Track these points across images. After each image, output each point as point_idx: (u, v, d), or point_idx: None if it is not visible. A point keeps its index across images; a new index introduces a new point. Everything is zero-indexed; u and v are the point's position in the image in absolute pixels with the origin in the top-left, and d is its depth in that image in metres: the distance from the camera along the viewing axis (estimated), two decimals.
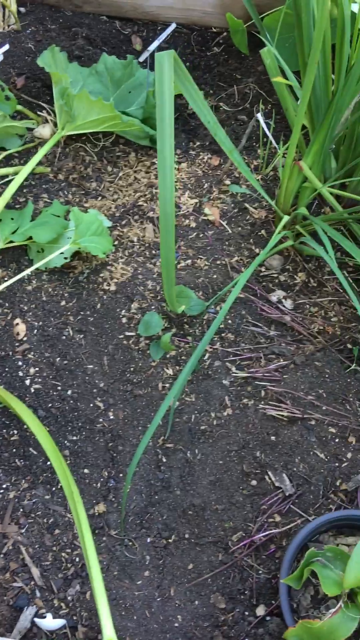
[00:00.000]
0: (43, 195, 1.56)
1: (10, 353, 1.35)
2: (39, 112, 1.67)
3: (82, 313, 1.41)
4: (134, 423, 1.31)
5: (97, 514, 1.21)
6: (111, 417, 1.31)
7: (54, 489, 1.23)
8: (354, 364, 1.34)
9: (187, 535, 1.19)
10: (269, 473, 1.22)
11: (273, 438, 1.25)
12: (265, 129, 1.57)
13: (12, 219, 1.46)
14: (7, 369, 1.33)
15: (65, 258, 1.43)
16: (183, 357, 1.37)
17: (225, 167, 1.63)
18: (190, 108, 1.78)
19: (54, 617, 1.10)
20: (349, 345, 1.37)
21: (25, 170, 1.47)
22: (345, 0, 1.14)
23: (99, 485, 1.24)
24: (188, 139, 1.72)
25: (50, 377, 1.32)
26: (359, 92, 1.28)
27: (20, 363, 1.33)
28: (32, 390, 1.31)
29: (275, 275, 1.48)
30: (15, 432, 1.27)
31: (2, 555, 1.15)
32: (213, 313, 1.42)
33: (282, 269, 1.49)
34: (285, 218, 1.42)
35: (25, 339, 1.36)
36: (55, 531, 1.18)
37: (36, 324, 1.38)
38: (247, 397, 1.31)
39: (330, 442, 1.24)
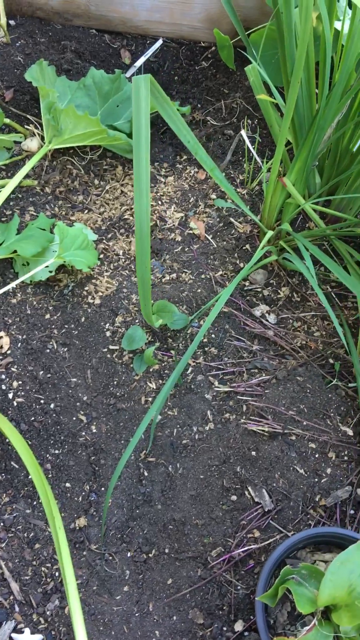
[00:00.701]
0: (30, 209, 1.57)
1: None
2: (26, 126, 1.68)
3: (66, 326, 1.42)
4: (117, 437, 1.31)
5: (78, 528, 1.22)
6: (94, 431, 1.31)
7: (35, 503, 1.23)
8: (335, 379, 1.35)
9: (167, 550, 1.19)
10: (249, 488, 1.22)
11: (254, 453, 1.26)
12: (249, 146, 1.59)
13: None
14: None
15: (50, 271, 1.44)
16: (166, 371, 1.38)
17: (212, 181, 1.64)
18: None
19: (33, 632, 1.10)
20: (331, 360, 1.38)
21: (12, 184, 1.48)
22: (326, 20, 1.15)
23: (80, 499, 1.25)
24: (175, 152, 1.73)
25: (34, 390, 1.33)
26: (341, 111, 1.29)
27: (3, 376, 1.34)
28: (15, 404, 1.31)
29: (259, 289, 1.49)
30: None
31: None
32: (197, 327, 1.43)
33: (266, 284, 1.50)
34: (269, 233, 1.43)
35: (8, 352, 1.37)
36: (35, 545, 1.19)
37: (20, 337, 1.39)
38: (229, 412, 1.32)
39: (310, 457, 1.25)
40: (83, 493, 1.25)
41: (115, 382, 1.36)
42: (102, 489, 1.26)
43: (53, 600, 1.14)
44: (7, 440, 1.27)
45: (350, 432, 1.28)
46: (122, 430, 1.32)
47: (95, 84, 1.65)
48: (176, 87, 1.86)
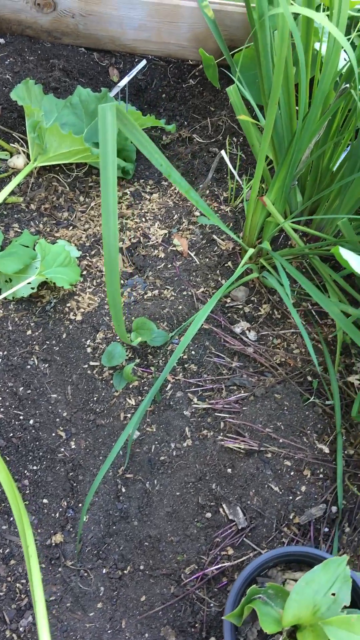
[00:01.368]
0: (14, 225, 1.59)
1: None
2: (13, 144, 1.70)
3: (47, 342, 1.43)
4: (95, 453, 1.32)
5: (54, 544, 1.23)
6: (73, 447, 1.32)
7: (11, 519, 1.24)
8: (313, 397, 1.36)
9: (142, 567, 1.20)
10: (224, 506, 1.23)
11: (229, 470, 1.27)
12: (230, 165, 1.61)
13: None
14: None
15: (33, 288, 1.45)
16: (146, 387, 1.39)
17: None
18: (164, 139, 1.82)
19: None
20: (309, 378, 1.39)
21: None
22: (300, 45, 1.17)
23: (57, 515, 1.26)
24: None
25: (13, 406, 1.34)
26: (318, 132, 1.31)
27: None
28: None
29: (241, 306, 1.50)
30: None
31: None
32: (177, 344, 1.44)
33: (247, 301, 1.51)
34: (250, 251, 1.45)
35: None
36: (10, 562, 1.20)
37: (1, 353, 1.40)
38: (207, 429, 1.33)
39: (285, 475, 1.26)
40: (60, 509, 1.26)
41: (95, 398, 1.37)
42: (80, 505, 1.27)
43: (27, 617, 1.15)
44: None
45: (327, 450, 1.29)
46: (101, 446, 1.33)
47: (81, 102, 1.68)
48: (164, 105, 1.88)
